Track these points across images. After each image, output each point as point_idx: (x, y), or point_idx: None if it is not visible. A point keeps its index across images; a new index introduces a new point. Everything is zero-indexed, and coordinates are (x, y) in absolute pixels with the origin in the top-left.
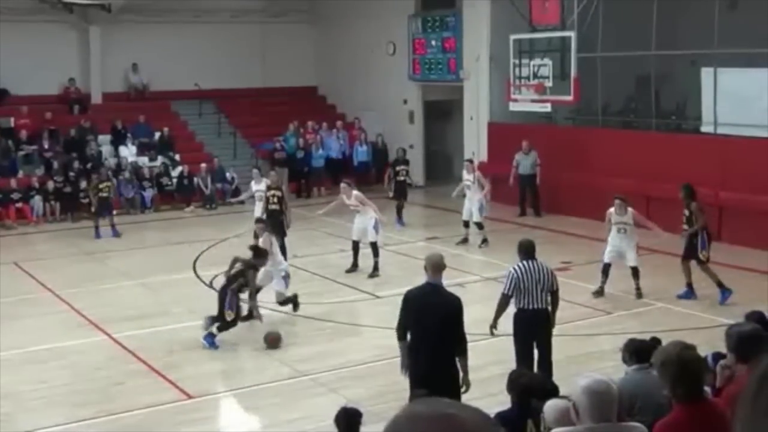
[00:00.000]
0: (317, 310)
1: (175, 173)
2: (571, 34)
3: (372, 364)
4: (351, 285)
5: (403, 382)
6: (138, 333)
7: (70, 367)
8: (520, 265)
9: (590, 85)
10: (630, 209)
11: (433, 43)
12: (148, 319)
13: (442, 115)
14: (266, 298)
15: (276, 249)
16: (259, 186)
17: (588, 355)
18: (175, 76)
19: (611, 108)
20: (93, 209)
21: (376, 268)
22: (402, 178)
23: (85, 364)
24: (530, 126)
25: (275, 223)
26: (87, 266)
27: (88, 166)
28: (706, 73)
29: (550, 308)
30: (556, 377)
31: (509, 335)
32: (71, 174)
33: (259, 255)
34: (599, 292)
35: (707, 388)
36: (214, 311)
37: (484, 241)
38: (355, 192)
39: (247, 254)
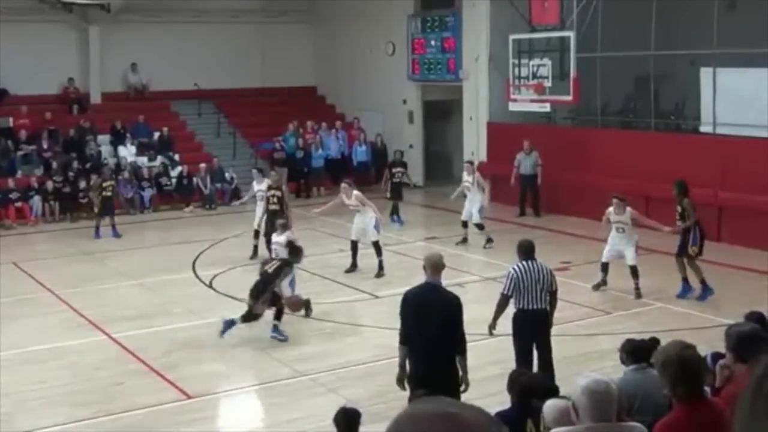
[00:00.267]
0: (317, 310)
1: (174, 173)
2: (571, 34)
3: (371, 364)
4: (350, 285)
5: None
6: (137, 333)
7: (69, 367)
8: (520, 265)
9: (589, 85)
10: (629, 209)
11: (433, 43)
12: (147, 319)
13: (441, 115)
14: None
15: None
16: (260, 186)
17: (587, 355)
18: (175, 76)
19: (610, 108)
20: (96, 209)
21: (381, 267)
22: (398, 180)
23: (85, 364)
24: (529, 126)
25: (276, 223)
26: (86, 266)
27: (88, 166)
28: (705, 73)
29: (549, 308)
30: (556, 377)
31: (508, 335)
32: (70, 174)
33: (294, 252)
34: (600, 285)
35: (707, 388)
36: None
37: (489, 240)
38: (355, 192)
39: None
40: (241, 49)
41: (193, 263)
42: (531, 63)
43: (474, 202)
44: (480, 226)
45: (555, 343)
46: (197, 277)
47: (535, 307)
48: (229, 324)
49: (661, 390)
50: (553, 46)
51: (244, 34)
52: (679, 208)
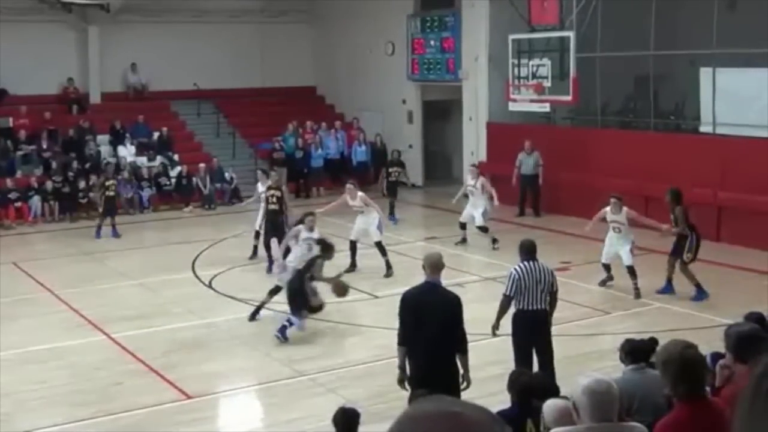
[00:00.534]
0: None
1: (173, 173)
2: (570, 34)
3: (371, 364)
4: (350, 285)
5: None
6: (137, 333)
7: (69, 367)
8: (521, 265)
9: (589, 85)
10: (625, 208)
11: (432, 43)
12: (147, 319)
13: (441, 115)
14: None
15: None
16: (264, 187)
17: (587, 355)
18: (174, 76)
19: (610, 108)
20: (101, 209)
21: (389, 266)
22: (394, 179)
23: (84, 364)
24: (529, 126)
25: (275, 223)
26: (86, 266)
27: (87, 166)
28: (705, 73)
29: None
30: (556, 377)
31: (508, 335)
32: (70, 174)
33: (326, 249)
34: (606, 281)
35: (707, 388)
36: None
37: (495, 240)
38: (360, 193)
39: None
40: (240, 49)
41: (193, 263)
42: (530, 63)
43: (477, 207)
44: (484, 229)
45: (555, 343)
46: (197, 277)
47: (535, 307)
48: (297, 320)
49: (660, 390)
50: (552, 46)
51: (244, 34)
52: (672, 216)
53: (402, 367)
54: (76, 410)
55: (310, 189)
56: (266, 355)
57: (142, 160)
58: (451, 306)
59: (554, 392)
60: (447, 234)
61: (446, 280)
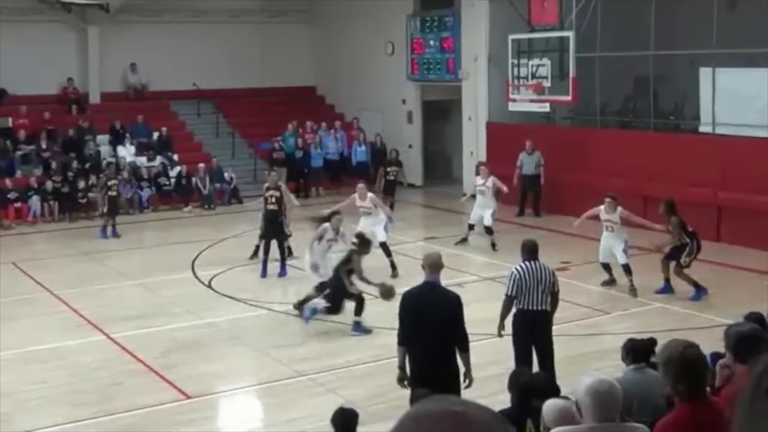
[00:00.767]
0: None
1: (173, 173)
2: (570, 34)
3: (371, 364)
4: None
5: None
6: (136, 333)
7: (68, 367)
8: (523, 265)
9: (588, 85)
10: (620, 208)
11: (432, 43)
12: (146, 319)
13: (440, 115)
14: (270, 299)
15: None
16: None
17: (587, 355)
18: (174, 76)
19: (609, 108)
20: (105, 209)
21: (394, 266)
22: (392, 178)
23: (84, 364)
24: (529, 126)
25: (274, 223)
26: (85, 266)
27: (87, 166)
28: (705, 73)
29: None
30: (556, 377)
31: (509, 335)
32: (69, 174)
33: (364, 243)
34: (609, 282)
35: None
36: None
37: (493, 245)
38: (370, 194)
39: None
40: (240, 49)
41: (192, 263)
42: (530, 63)
43: (486, 207)
44: (490, 231)
45: (555, 343)
46: (196, 277)
47: (535, 308)
48: (358, 325)
49: (659, 390)
50: (552, 46)
51: (244, 34)
52: (668, 228)
53: (402, 367)
54: (76, 410)
55: (310, 189)
56: (266, 355)
57: (142, 160)
58: (451, 305)
59: (554, 392)
60: (447, 234)
61: (446, 280)
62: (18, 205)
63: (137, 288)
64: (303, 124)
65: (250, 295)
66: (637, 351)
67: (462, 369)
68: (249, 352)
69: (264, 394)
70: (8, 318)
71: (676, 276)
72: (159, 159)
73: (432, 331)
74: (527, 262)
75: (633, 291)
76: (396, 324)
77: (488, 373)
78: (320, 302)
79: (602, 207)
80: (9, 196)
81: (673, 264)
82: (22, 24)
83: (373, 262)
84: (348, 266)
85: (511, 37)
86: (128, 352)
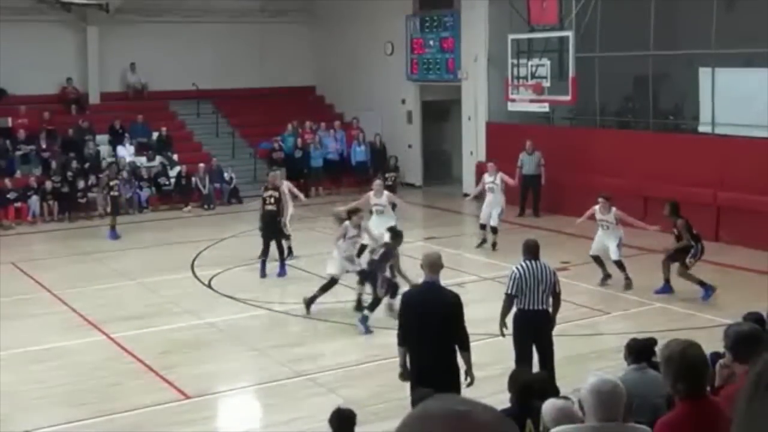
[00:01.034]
0: (317, 310)
1: (173, 173)
2: (569, 34)
3: (370, 365)
4: (350, 285)
5: (401, 383)
6: (136, 333)
7: (68, 367)
8: (523, 264)
9: (588, 85)
10: (614, 209)
11: (431, 43)
12: (146, 319)
13: (440, 115)
14: (269, 299)
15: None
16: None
17: (586, 356)
18: (173, 75)
19: (609, 108)
20: (109, 209)
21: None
22: (390, 183)
23: (84, 364)
24: (528, 126)
25: (273, 224)
26: (85, 266)
27: (86, 166)
28: (704, 73)
29: (551, 309)
30: (556, 377)
31: (510, 335)
32: (69, 174)
33: (396, 236)
34: (605, 279)
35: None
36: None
37: (494, 244)
38: (386, 192)
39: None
40: (239, 49)
41: (192, 263)
42: (530, 63)
43: (495, 205)
44: (494, 230)
45: (554, 343)
46: (196, 277)
47: (536, 308)
48: (365, 320)
49: (659, 391)
50: (551, 46)
51: (243, 34)
52: (675, 231)
53: (404, 365)
54: (75, 410)
55: (309, 189)
56: (265, 355)
57: (141, 160)
58: (451, 305)
59: (554, 392)
60: (446, 234)
61: (446, 280)
62: (18, 205)
63: (137, 288)
64: (302, 124)
65: (249, 295)
66: (639, 351)
67: (463, 368)
68: (248, 352)
69: (263, 394)
70: (8, 318)
71: (681, 277)
72: (158, 159)
73: (432, 330)
74: (528, 262)
75: (628, 283)
76: (393, 323)
77: (488, 373)
78: (367, 314)
79: (597, 207)
80: (8, 196)
81: (676, 265)
82: (22, 24)
83: None
84: (389, 262)
85: (511, 37)
86: (128, 352)
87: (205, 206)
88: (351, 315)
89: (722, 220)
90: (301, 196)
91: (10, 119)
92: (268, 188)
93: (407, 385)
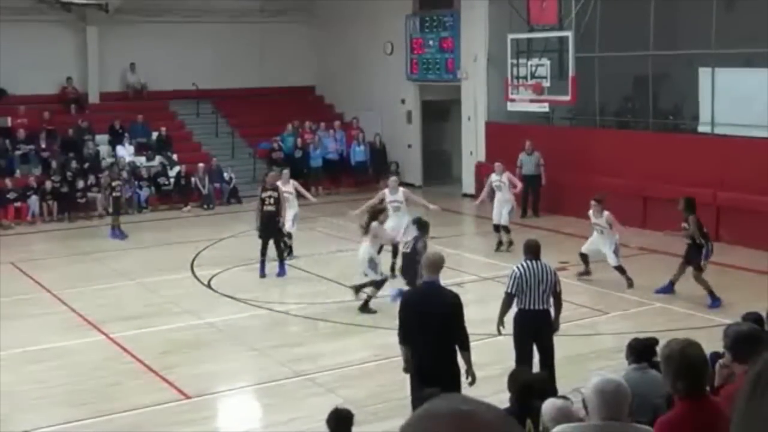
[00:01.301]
0: (316, 310)
1: (172, 173)
2: (569, 34)
3: (370, 364)
4: (350, 285)
5: (401, 382)
6: (135, 333)
7: (67, 367)
8: (524, 264)
9: (588, 85)
10: (606, 212)
11: (431, 42)
12: (145, 319)
13: (440, 115)
14: (269, 299)
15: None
16: (286, 188)
17: (585, 355)
18: (173, 75)
19: (609, 108)
20: (111, 210)
21: (393, 269)
22: None
23: (83, 364)
24: (528, 126)
25: (271, 224)
26: (84, 266)
27: (86, 165)
28: (704, 73)
29: (552, 310)
30: (555, 377)
31: (509, 335)
32: (69, 174)
33: (423, 227)
34: (584, 273)
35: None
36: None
37: (500, 245)
38: (402, 188)
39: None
40: (239, 48)
41: (192, 263)
42: (529, 63)
43: (504, 204)
44: (506, 229)
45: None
46: (195, 277)
47: (536, 307)
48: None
49: (659, 390)
50: (551, 46)
51: (243, 33)
52: (685, 225)
53: (408, 360)
54: (75, 410)
55: (309, 189)
56: (265, 355)
57: (141, 160)
58: (451, 305)
59: (553, 392)
60: (446, 234)
61: (446, 280)
62: (17, 204)
63: (136, 288)
64: (302, 124)
65: (249, 295)
66: (640, 350)
67: (463, 368)
68: (248, 352)
69: (263, 394)
70: (7, 318)
71: (695, 280)
72: (158, 159)
73: (433, 330)
74: (528, 261)
75: (629, 283)
76: (393, 323)
77: (488, 372)
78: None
79: (590, 211)
80: (8, 195)
81: (690, 269)
82: (22, 24)
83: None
84: (418, 253)
85: (511, 36)
86: (127, 352)
87: (205, 206)
88: (351, 315)
89: (722, 220)
90: (309, 195)
91: (9, 119)
92: (267, 188)
93: (407, 385)
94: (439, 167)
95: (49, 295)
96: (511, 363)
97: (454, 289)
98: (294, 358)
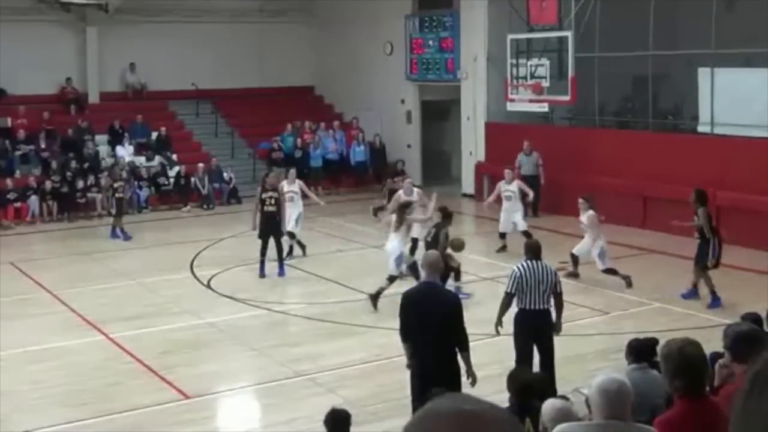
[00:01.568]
0: (316, 310)
1: (172, 173)
2: (569, 34)
3: (370, 365)
4: (350, 285)
5: (401, 382)
6: (135, 333)
7: (67, 367)
8: (524, 264)
9: (587, 85)
10: (590, 212)
11: (431, 42)
12: (145, 319)
13: (439, 115)
14: (269, 299)
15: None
16: (291, 187)
17: (585, 355)
18: (173, 75)
19: (608, 108)
20: (113, 211)
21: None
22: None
23: (83, 364)
24: (528, 126)
25: (271, 224)
26: (84, 266)
27: (86, 166)
28: (704, 73)
29: (552, 310)
30: (555, 377)
31: (509, 335)
32: (68, 174)
33: (447, 216)
34: (571, 274)
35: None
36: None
37: (504, 248)
38: (417, 189)
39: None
40: (239, 48)
41: (191, 263)
42: (529, 63)
43: (514, 212)
44: (528, 234)
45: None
46: (195, 277)
47: (537, 307)
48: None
49: (659, 390)
50: (551, 46)
51: (243, 34)
52: (696, 218)
53: (411, 357)
54: (75, 410)
55: (309, 189)
56: (265, 355)
57: (141, 160)
58: (451, 305)
59: (552, 392)
60: None
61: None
62: (17, 205)
63: (136, 288)
64: (302, 124)
65: (249, 295)
66: (640, 350)
67: (464, 368)
68: (248, 352)
69: (263, 394)
70: (7, 318)
71: (700, 276)
72: (158, 159)
73: (432, 331)
74: (529, 261)
75: (627, 282)
76: (393, 323)
77: (487, 373)
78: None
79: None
80: (8, 196)
81: (699, 268)
82: (21, 23)
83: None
84: (439, 243)
85: (510, 37)
86: (127, 352)
87: (204, 206)
88: (351, 315)
89: (722, 220)
90: (314, 196)
91: (9, 119)
92: (267, 189)
93: (407, 385)
94: (438, 167)
95: (49, 295)
96: (511, 363)
97: (454, 290)
98: (294, 358)
